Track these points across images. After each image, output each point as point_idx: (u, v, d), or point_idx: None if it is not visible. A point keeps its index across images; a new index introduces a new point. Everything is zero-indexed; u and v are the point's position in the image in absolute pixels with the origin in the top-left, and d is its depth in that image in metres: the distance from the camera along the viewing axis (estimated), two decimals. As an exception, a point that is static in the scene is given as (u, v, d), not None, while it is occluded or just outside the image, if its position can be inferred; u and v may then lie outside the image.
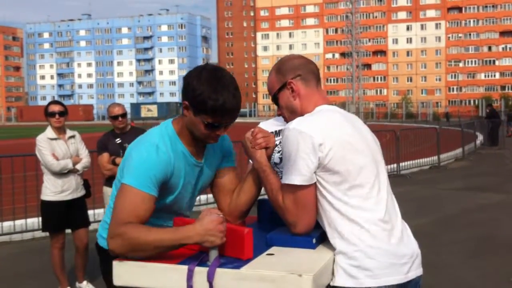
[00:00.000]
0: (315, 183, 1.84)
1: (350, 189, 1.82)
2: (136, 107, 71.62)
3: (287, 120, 2.05)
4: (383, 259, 1.79)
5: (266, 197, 2.07)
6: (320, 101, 2.00)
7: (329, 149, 1.80)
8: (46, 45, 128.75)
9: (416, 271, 1.89)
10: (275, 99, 2.06)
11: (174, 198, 2.04)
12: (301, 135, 1.81)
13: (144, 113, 70.55)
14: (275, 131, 2.35)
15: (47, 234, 4.91)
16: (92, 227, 5.23)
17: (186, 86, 1.92)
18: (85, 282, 4.85)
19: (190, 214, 2.20)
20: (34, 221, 6.76)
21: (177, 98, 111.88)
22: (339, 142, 1.83)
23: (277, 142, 2.23)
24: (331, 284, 1.82)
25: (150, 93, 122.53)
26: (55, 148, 4.61)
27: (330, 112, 1.95)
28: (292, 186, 1.84)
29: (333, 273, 1.82)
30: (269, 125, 2.42)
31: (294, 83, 1.98)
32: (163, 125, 2.04)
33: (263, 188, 2.08)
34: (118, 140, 4.96)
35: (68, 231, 4.77)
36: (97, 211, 7.06)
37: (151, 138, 1.95)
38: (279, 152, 2.21)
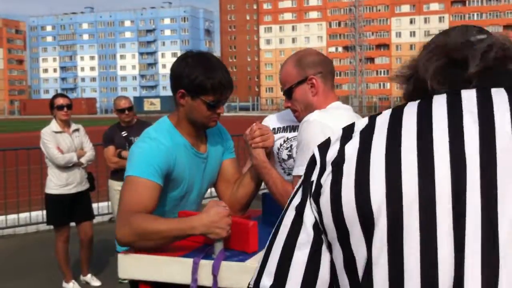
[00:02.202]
0: None
1: None
2: (139, 100, 71.67)
3: (298, 114, 2.04)
4: None
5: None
6: (331, 99, 2.04)
7: None
8: (49, 38, 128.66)
9: None
10: (290, 92, 2.05)
11: (184, 191, 2.05)
12: (322, 127, 1.83)
13: (147, 106, 70.57)
14: (283, 127, 2.33)
15: (52, 227, 4.93)
16: (96, 220, 5.25)
17: (178, 75, 1.97)
18: (89, 275, 4.87)
19: (200, 208, 2.21)
20: (38, 214, 6.78)
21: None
22: None
23: (285, 139, 2.23)
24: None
25: (153, 87, 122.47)
26: (60, 142, 4.62)
27: (347, 111, 2.01)
28: None
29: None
30: (281, 119, 2.37)
31: (315, 79, 1.99)
32: (159, 122, 2.09)
33: (263, 183, 2.10)
34: (124, 133, 4.97)
35: (73, 224, 4.79)
36: (101, 204, 7.09)
37: (149, 134, 1.99)
38: (287, 149, 2.21)
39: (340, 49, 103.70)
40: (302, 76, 2.01)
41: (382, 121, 0.81)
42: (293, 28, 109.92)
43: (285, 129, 2.30)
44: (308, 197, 0.85)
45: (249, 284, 0.91)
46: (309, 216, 0.84)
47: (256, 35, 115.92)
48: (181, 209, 2.05)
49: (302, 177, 0.88)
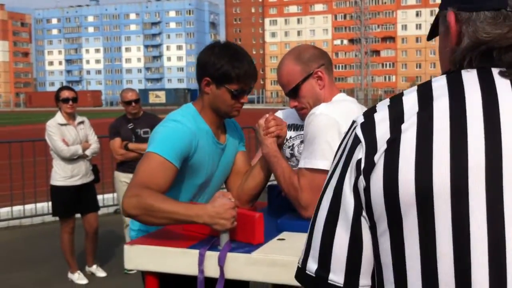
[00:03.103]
0: None
1: None
2: (144, 93, 71.73)
3: (307, 111, 2.00)
4: None
5: (276, 182, 2.07)
6: (335, 91, 2.04)
7: None
8: (55, 31, 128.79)
9: None
10: (296, 90, 2.03)
11: (204, 178, 2.07)
12: (329, 120, 1.82)
13: (152, 99, 70.62)
14: (288, 125, 2.30)
15: (57, 218, 4.95)
16: (101, 212, 5.27)
17: (204, 64, 2.01)
18: (94, 266, 4.89)
19: None
20: (44, 206, 6.81)
21: (185, 84, 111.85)
22: None
23: (287, 137, 2.21)
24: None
25: (158, 79, 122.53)
26: (65, 134, 4.62)
27: (352, 103, 2.00)
28: (314, 170, 1.83)
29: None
30: (285, 117, 2.31)
31: (321, 72, 1.99)
32: (184, 107, 2.12)
33: (272, 175, 2.09)
34: (130, 126, 4.97)
35: (78, 216, 4.81)
36: (106, 196, 7.11)
37: (175, 117, 2.02)
38: (289, 147, 2.19)
39: (345, 41, 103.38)
40: (307, 72, 2.00)
41: (441, 107, 0.79)
42: (299, 21, 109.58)
43: (289, 128, 2.27)
44: (350, 177, 0.84)
45: (298, 262, 0.93)
46: (348, 197, 0.84)
47: (261, 28, 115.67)
48: (198, 199, 2.07)
49: (337, 158, 0.88)
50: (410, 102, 0.82)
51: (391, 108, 0.83)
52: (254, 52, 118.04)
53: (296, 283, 0.90)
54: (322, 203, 0.88)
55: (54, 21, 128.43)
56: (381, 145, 0.80)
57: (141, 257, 1.83)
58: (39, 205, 6.93)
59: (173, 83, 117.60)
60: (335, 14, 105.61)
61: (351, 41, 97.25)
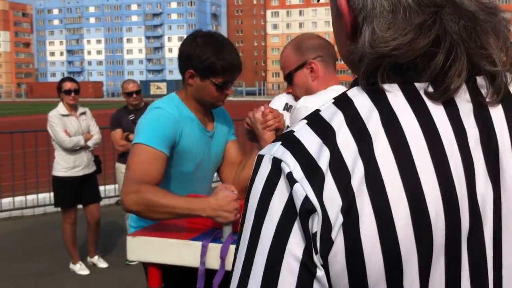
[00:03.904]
0: None
1: None
2: (145, 84, 71.66)
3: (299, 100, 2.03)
4: None
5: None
6: (332, 83, 2.00)
7: None
8: (56, 22, 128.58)
9: None
10: (290, 77, 2.03)
11: (192, 166, 2.05)
12: (308, 111, 1.79)
13: (153, 90, 70.58)
14: (286, 104, 2.28)
15: (59, 209, 4.95)
16: (103, 202, 5.28)
17: (189, 56, 1.96)
18: (96, 257, 4.90)
19: (210, 191, 2.18)
20: (46, 196, 6.82)
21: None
22: None
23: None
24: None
25: (159, 71, 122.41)
26: (67, 125, 4.62)
27: (333, 92, 1.92)
28: None
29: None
30: (284, 97, 2.30)
31: (315, 64, 1.96)
32: (167, 96, 2.11)
33: None
34: (131, 117, 4.97)
35: (80, 206, 4.82)
36: (108, 187, 7.11)
37: (157, 104, 2.01)
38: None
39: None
40: (301, 60, 1.98)
41: (384, 154, 0.61)
42: (300, 13, 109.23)
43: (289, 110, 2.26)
44: (313, 250, 0.60)
45: None
46: (320, 271, 0.61)
47: (263, 20, 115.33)
48: (190, 188, 2.04)
49: (298, 220, 0.60)
50: (347, 142, 0.61)
51: (330, 151, 0.61)
52: (255, 44, 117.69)
53: None
54: (281, 274, 0.60)
55: (56, 11, 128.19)
56: (336, 217, 0.59)
57: (143, 248, 1.84)
58: (41, 195, 6.94)
59: (174, 75, 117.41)
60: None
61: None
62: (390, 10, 0.63)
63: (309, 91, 1.96)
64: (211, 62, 1.92)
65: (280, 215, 0.61)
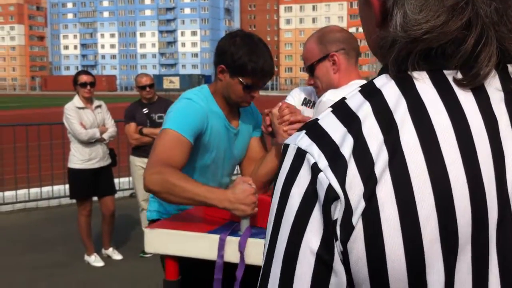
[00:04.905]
0: None
1: None
2: (158, 78, 71.88)
3: (319, 92, 2.02)
4: None
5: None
6: (353, 77, 1.99)
7: None
8: (70, 15, 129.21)
9: None
10: (311, 69, 2.02)
11: (211, 159, 2.08)
12: None
13: (166, 84, 70.78)
14: (304, 99, 2.27)
15: (73, 201, 4.99)
16: (117, 195, 5.30)
17: (223, 52, 2.00)
18: (111, 249, 4.94)
19: (229, 182, 2.22)
20: (61, 188, 6.88)
21: (199, 70, 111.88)
22: None
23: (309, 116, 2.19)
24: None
25: (173, 65, 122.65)
26: (83, 117, 4.65)
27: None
28: None
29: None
30: (311, 92, 2.26)
31: (337, 56, 1.95)
32: (198, 87, 2.14)
33: None
34: (145, 110, 4.99)
35: (95, 199, 4.85)
36: (122, 180, 7.15)
37: (188, 95, 2.04)
38: None
39: (360, 29, 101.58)
40: (323, 53, 1.97)
41: (410, 144, 0.60)
42: (314, 8, 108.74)
43: (309, 104, 2.25)
44: (333, 238, 0.60)
45: None
46: (338, 262, 0.61)
47: (276, 15, 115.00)
48: (207, 180, 2.06)
49: (318, 209, 0.61)
50: (372, 132, 0.61)
51: (354, 139, 0.61)
52: (268, 39, 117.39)
53: None
54: (297, 270, 0.62)
55: (70, 5, 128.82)
56: (357, 203, 0.59)
57: (161, 240, 1.84)
58: (55, 187, 7.00)
59: (187, 69, 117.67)
60: (350, 1, 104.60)
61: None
62: None
63: (330, 84, 1.96)
64: (243, 62, 1.95)
65: (299, 204, 0.61)
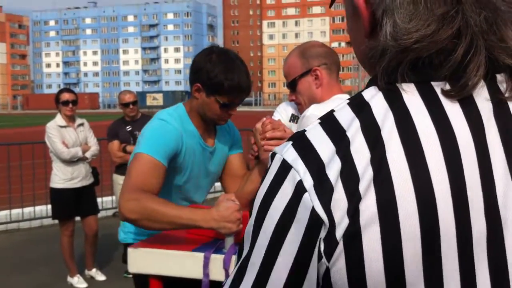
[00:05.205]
0: None
1: None
2: (141, 95, 71.70)
3: (301, 108, 2.02)
4: None
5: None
6: (336, 92, 2.01)
7: None
8: (52, 33, 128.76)
9: None
10: (293, 84, 2.02)
11: (185, 178, 2.03)
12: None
13: (149, 101, 70.60)
14: (292, 115, 2.28)
15: (55, 221, 4.92)
16: (100, 214, 5.24)
17: (198, 69, 1.96)
18: (94, 270, 4.86)
19: (202, 202, 2.19)
20: (43, 209, 6.78)
21: (182, 87, 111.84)
22: None
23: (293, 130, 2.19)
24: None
25: (156, 82, 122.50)
26: (65, 136, 4.60)
27: (341, 101, 1.95)
28: None
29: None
30: (295, 106, 2.24)
31: (319, 71, 1.96)
32: (173, 107, 2.09)
33: None
34: (128, 128, 4.96)
35: (78, 218, 4.78)
36: (105, 199, 7.08)
37: (161, 116, 1.99)
38: None
39: (343, 44, 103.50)
40: (306, 67, 1.98)
41: (396, 159, 0.60)
42: (296, 23, 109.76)
43: (294, 119, 2.24)
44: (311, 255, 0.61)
45: None
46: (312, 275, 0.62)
47: (259, 30, 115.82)
48: (184, 198, 2.03)
49: (294, 225, 0.61)
50: (360, 150, 0.60)
51: (342, 161, 0.60)
52: (251, 54, 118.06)
53: None
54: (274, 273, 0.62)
55: (52, 23, 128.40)
56: (341, 220, 0.59)
57: (145, 260, 1.82)
58: (37, 208, 6.90)
59: (171, 86, 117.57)
60: (333, 16, 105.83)
61: (349, 43, 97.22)
62: (410, 1, 0.61)
63: (313, 99, 1.96)
64: (219, 80, 1.90)
65: (279, 217, 0.62)
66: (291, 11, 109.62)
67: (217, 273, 1.71)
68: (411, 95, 0.62)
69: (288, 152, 0.63)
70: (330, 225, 0.59)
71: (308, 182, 0.60)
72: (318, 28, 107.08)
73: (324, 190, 0.59)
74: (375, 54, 0.65)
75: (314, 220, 0.59)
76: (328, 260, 0.59)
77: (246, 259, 0.65)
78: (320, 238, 0.59)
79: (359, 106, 0.63)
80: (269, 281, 0.62)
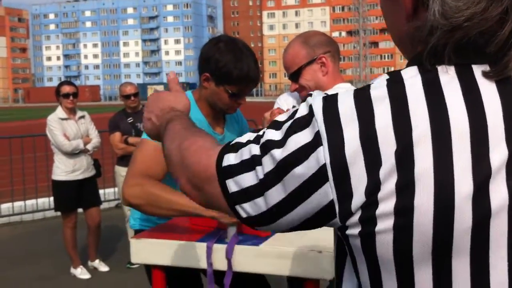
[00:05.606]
0: None
1: None
2: (142, 87, 71.71)
3: (304, 94, 2.02)
4: None
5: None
6: (339, 80, 2.02)
7: None
8: (52, 26, 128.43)
9: None
10: (298, 73, 2.01)
11: None
12: None
13: (150, 93, 70.41)
14: (293, 106, 2.29)
15: (58, 213, 4.93)
16: (103, 206, 5.25)
17: (207, 59, 1.94)
18: (97, 261, 4.88)
19: None
20: (45, 201, 6.79)
21: (183, 78, 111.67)
22: None
23: None
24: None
25: (157, 73, 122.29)
26: (66, 128, 4.60)
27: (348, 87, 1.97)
28: None
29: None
30: (296, 97, 2.26)
31: (325, 58, 1.96)
32: None
33: None
34: (130, 120, 4.96)
35: (80, 210, 4.79)
36: (107, 190, 7.09)
37: None
38: None
39: (343, 33, 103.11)
40: (311, 56, 1.98)
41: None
42: (296, 13, 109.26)
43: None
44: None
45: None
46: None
47: (259, 21, 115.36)
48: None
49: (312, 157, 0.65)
50: (385, 130, 0.62)
51: (361, 142, 0.63)
52: (252, 45, 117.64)
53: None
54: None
55: (52, 16, 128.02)
56: (360, 197, 0.64)
57: (147, 251, 1.81)
58: (40, 200, 6.91)
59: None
60: (333, 6, 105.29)
61: (350, 33, 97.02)
62: None
63: (319, 86, 1.96)
64: (227, 70, 1.89)
65: (298, 147, 0.65)
66: (291, 1, 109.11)
67: (220, 262, 1.71)
68: (449, 78, 0.62)
69: (316, 101, 0.66)
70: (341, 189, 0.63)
71: (324, 139, 0.64)
72: (319, 18, 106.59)
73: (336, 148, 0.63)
74: (422, 34, 0.64)
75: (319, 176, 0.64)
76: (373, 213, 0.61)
77: (259, 158, 0.72)
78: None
79: (395, 86, 0.64)
80: (268, 191, 0.68)
